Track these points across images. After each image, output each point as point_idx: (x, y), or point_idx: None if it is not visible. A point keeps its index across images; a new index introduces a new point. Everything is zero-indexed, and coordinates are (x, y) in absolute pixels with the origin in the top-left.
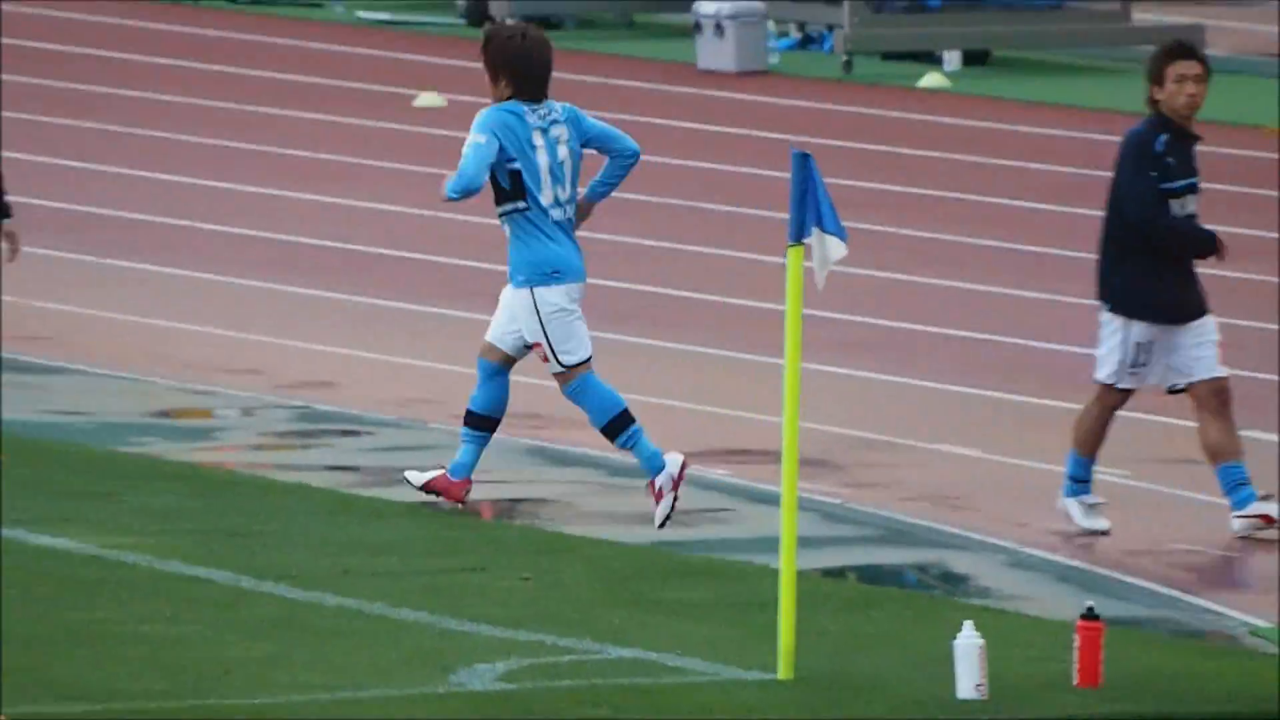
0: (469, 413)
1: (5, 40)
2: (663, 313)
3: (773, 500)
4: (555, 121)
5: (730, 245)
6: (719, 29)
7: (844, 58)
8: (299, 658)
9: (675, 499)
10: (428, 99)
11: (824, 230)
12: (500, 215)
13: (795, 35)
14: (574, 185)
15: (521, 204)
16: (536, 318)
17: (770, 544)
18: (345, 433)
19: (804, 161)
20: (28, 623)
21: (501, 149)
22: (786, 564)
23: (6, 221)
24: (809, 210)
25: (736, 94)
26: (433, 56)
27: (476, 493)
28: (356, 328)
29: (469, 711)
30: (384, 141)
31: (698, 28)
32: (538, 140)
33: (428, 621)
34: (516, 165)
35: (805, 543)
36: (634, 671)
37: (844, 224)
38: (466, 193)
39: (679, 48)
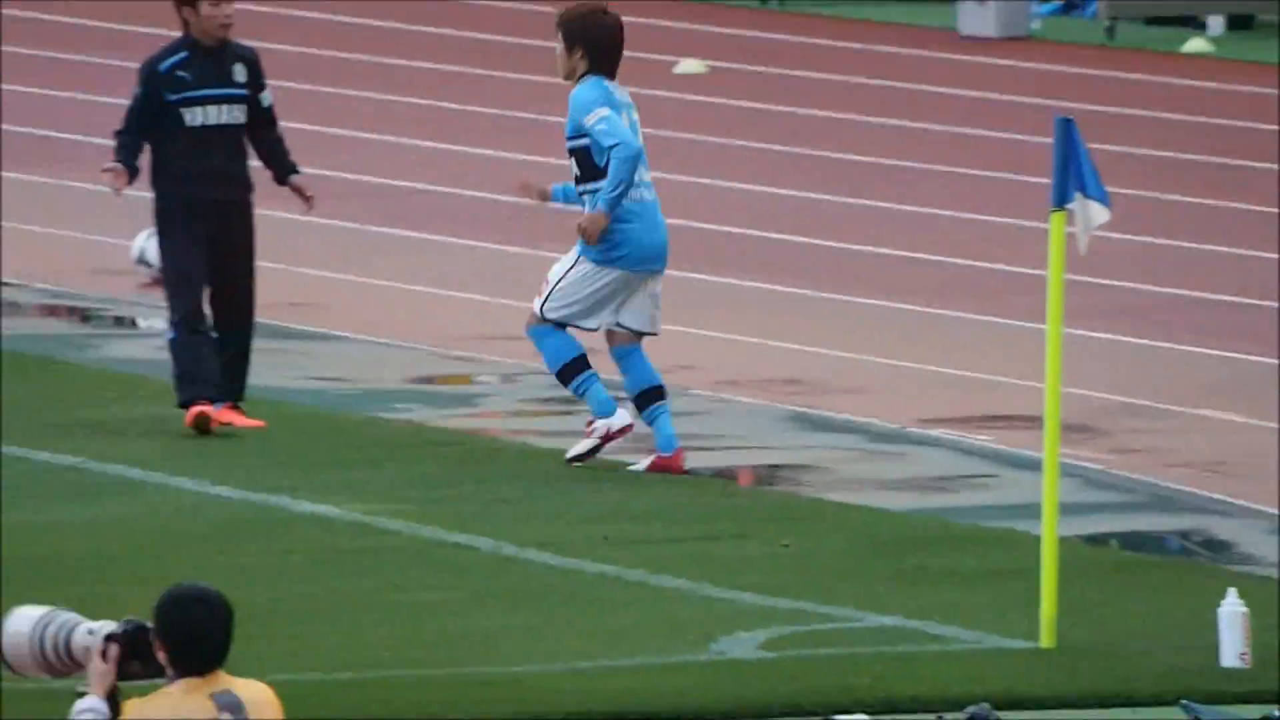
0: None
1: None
2: (922, 280)
3: (1034, 466)
4: (634, 106)
5: (990, 211)
6: None
7: (1107, 23)
8: (559, 626)
9: (597, 447)
10: (689, 65)
11: (1086, 196)
12: (582, 194)
13: (1058, 1)
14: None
15: (598, 184)
16: (567, 267)
17: (1032, 511)
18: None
19: (1067, 127)
20: (292, 591)
21: None
22: (1048, 531)
23: (295, 176)
24: (1071, 176)
25: (998, 59)
26: (693, 23)
27: (736, 459)
28: None
29: (730, 680)
30: (645, 108)
31: None
32: (624, 120)
33: (688, 589)
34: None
35: (1067, 509)
36: (895, 639)
37: (1106, 189)
38: (632, 159)
39: (940, 12)
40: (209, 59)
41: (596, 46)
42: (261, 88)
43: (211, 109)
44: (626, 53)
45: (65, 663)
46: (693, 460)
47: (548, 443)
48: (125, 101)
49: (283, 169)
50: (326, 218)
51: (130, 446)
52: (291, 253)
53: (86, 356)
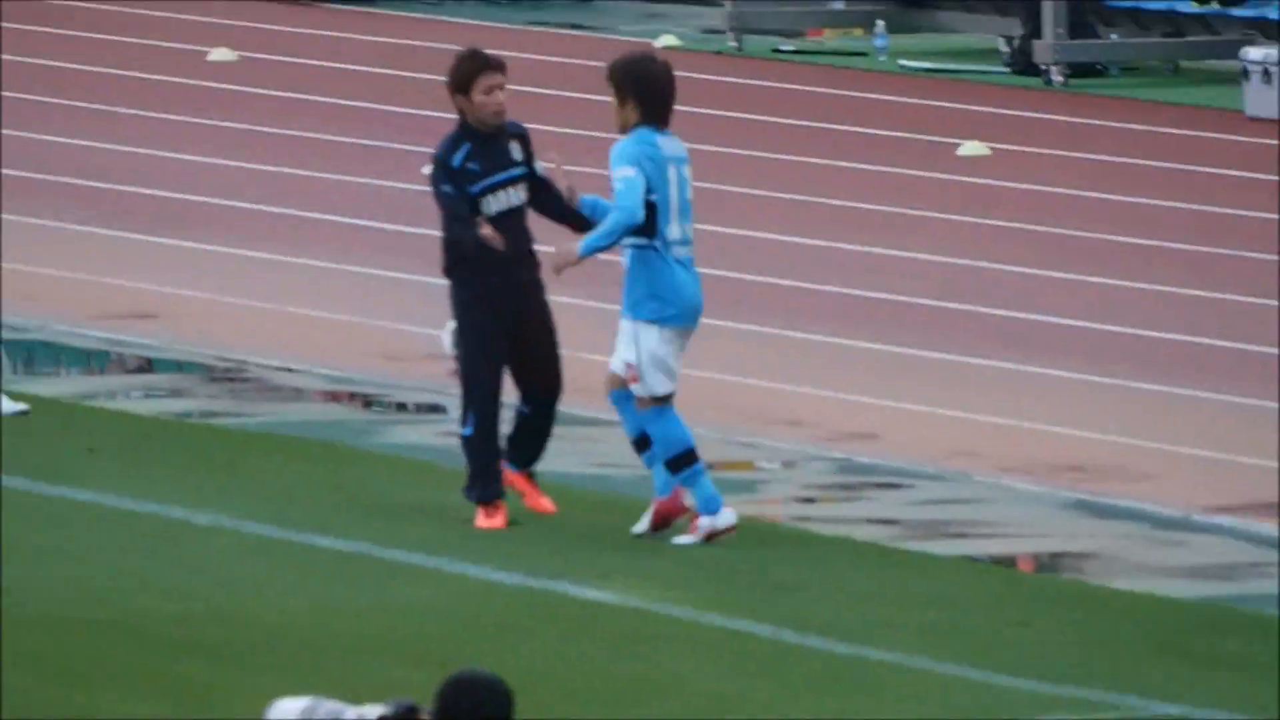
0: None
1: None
2: (1206, 363)
3: None
4: (685, 160)
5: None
6: (1267, 75)
7: None
8: (834, 711)
9: (700, 542)
10: (972, 148)
11: None
12: (624, 246)
13: None
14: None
15: (646, 239)
16: (635, 346)
17: None
18: (887, 485)
19: None
20: (571, 677)
21: (646, 180)
22: None
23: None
24: None
25: None
26: (976, 105)
27: (1018, 546)
28: (897, 378)
29: None
30: (926, 191)
31: (1245, 74)
32: (670, 173)
33: (971, 676)
34: (654, 197)
35: None
36: None
37: None
38: (628, 228)
39: (1226, 94)
40: (489, 145)
41: (646, 96)
42: (532, 159)
43: (502, 194)
44: (908, 135)
45: None
46: (973, 546)
47: (828, 529)
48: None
49: (576, 215)
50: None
51: (414, 531)
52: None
53: (371, 442)
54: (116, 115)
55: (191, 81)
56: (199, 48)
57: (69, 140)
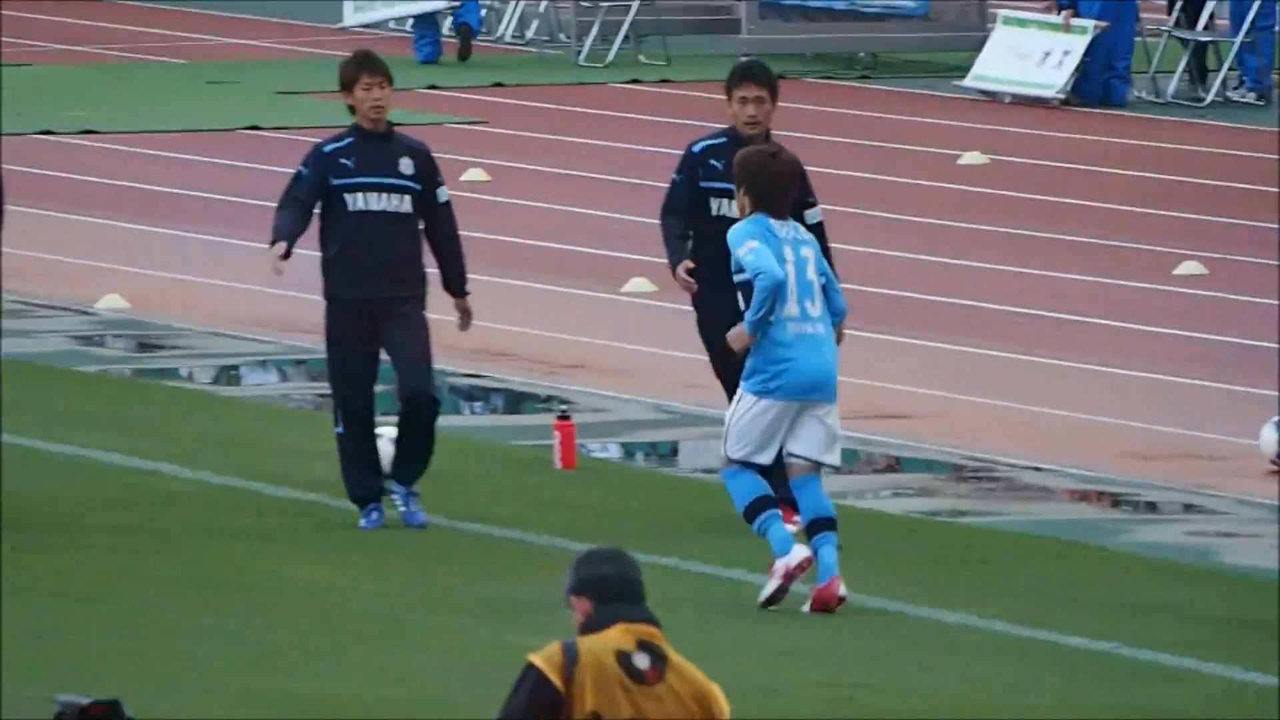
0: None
1: None
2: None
3: None
4: (804, 242)
5: None
6: None
7: None
8: None
9: (781, 587)
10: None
11: None
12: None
13: None
14: (824, 306)
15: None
16: (734, 407)
17: None
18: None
19: None
20: None
21: None
22: None
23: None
24: None
25: None
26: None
27: None
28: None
29: None
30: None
31: None
32: (787, 254)
33: None
34: None
35: None
36: None
37: None
38: (772, 288)
39: None
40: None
41: (759, 189)
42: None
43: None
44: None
45: None
46: None
47: None
48: None
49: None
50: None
51: (1162, 631)
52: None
53: (1119, 541)
54: (873, 219)
55: (943, 185)
56: (950, 151)
57: None
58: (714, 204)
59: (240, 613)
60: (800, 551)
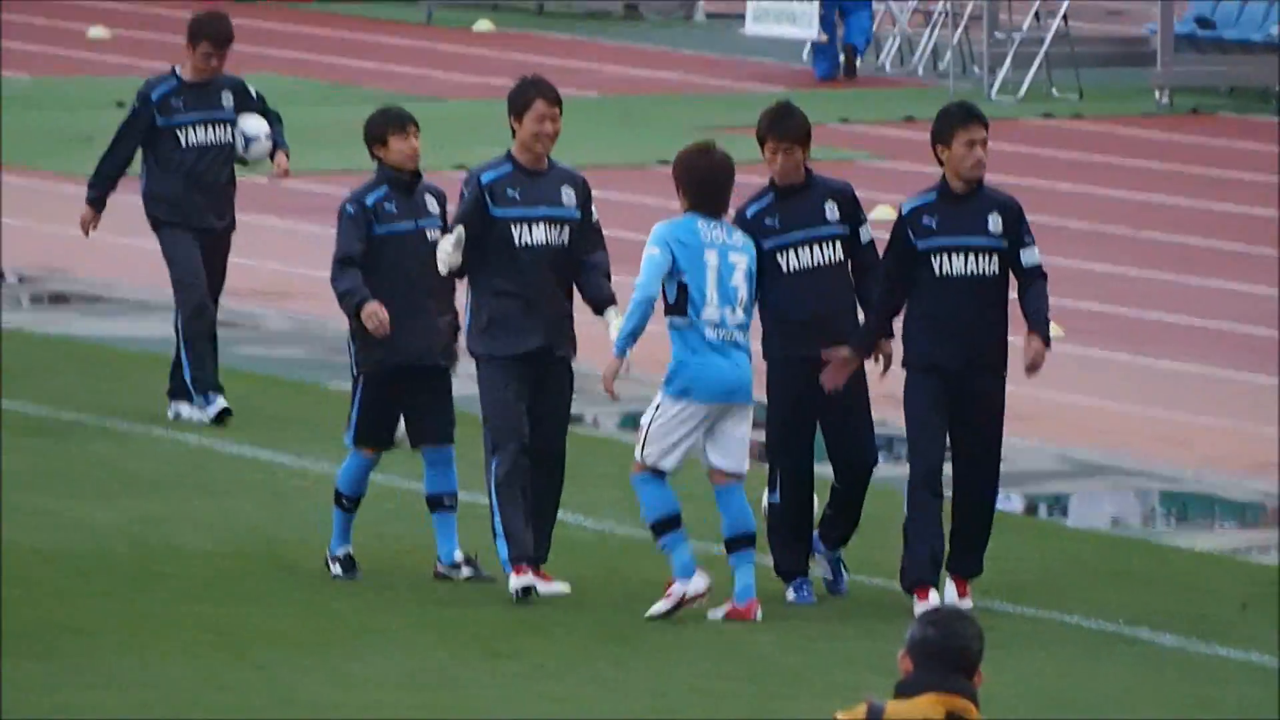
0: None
1: None
2: None
3: None
4: (735, 248)
5: None
6: None
7: None
8: None
9: (672, 609)
10: None
11: None
12: (668, 324)
13: None
14: (747, 313)
15: (682, 318)
16: (652, 412)
17: None
18: None
19: None
20: None
21: (674, 261)
22: None
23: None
24: None
25: None
26: None
27: None
28: None
29: None
30: None
31: None
32: (710, 258)
33: None
34: (685, 279)
35: None
36: None
37: None
38: (642, 304)
39: None
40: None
41: (693, 187)
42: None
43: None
44: None
45: None
46: None
47: None
48: None
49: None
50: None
51: None
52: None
53: None
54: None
55: None
56: None
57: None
58: (934, 261)
59: (640, 663)
60: (701, 583)
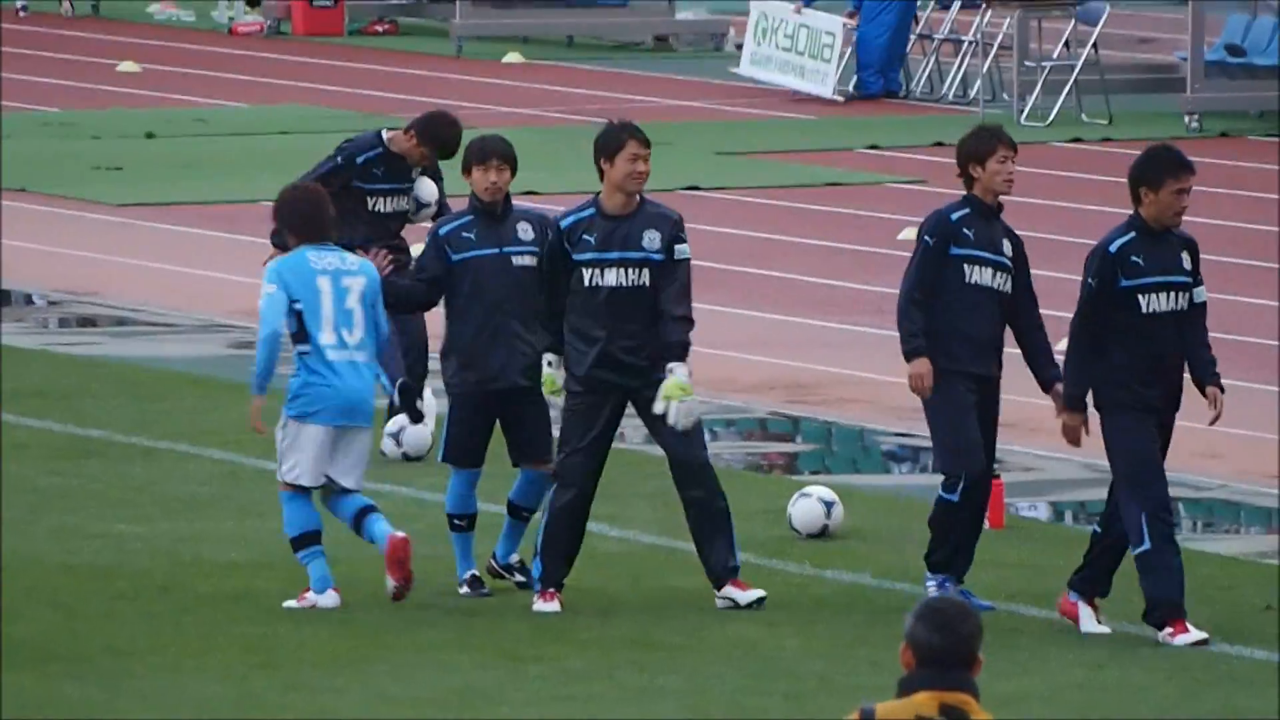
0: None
1: None
2: None
3: None
4: (348, 272)
5: None
6: None
7: None
8: None
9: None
10: None
11: None
12: (294, 354)
13: None
14: (367, 334)
15: (305, 345)
16: (283, 432)
17: None
18: None
19: None
20: None
21: (289, 294)
22: None
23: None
24: None
25: None
26: None
27: None
28: None
29: None
30: None
31: None
32: (324, 285)
33: None
34: (299, 307)
35: None
36: None
37: None
38: (267, 341)
39: None
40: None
41: (294, 222)
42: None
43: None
44: None
45: None
46: None
47: None
48: None
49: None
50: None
51: None
52: None
53: None
54: None
55: None
56: None
57: None
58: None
59: (670, 673)
60: (331, 600)
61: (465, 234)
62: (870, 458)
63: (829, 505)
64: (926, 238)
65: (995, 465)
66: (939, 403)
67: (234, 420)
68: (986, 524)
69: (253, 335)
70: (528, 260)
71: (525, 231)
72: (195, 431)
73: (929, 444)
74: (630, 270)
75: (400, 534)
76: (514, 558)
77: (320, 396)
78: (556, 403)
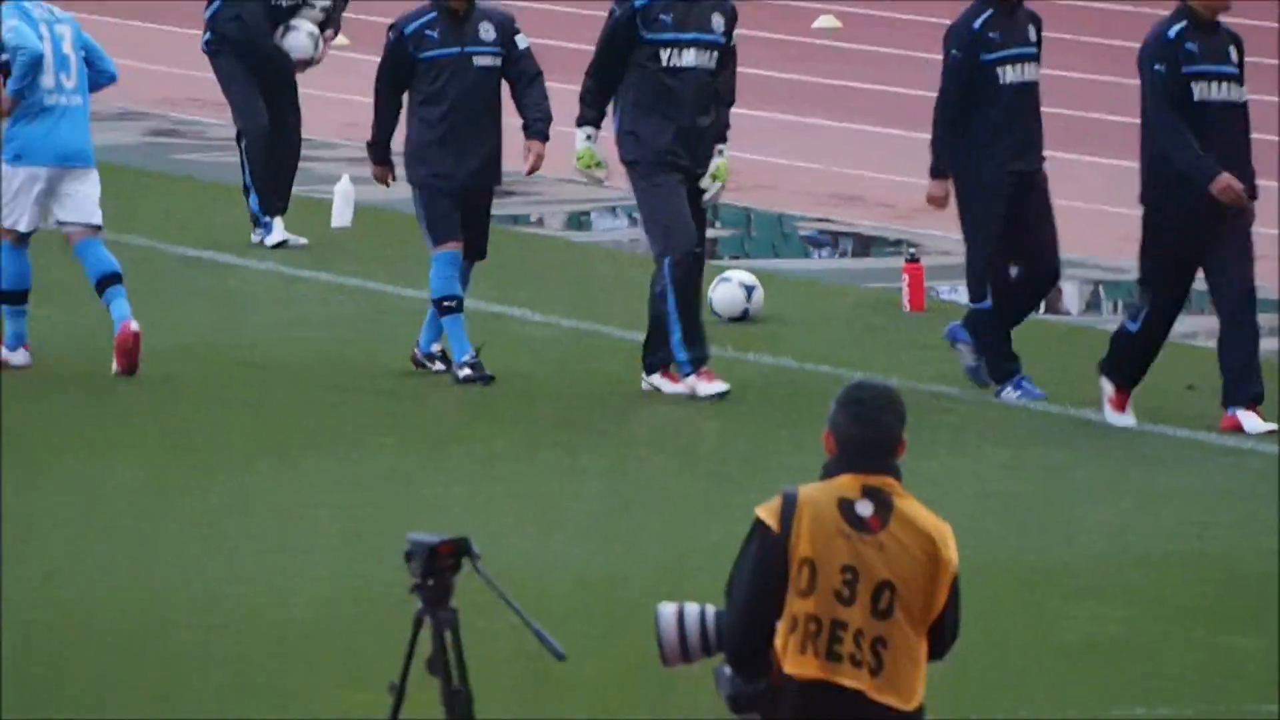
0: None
1: None
2: None
3: None
4: (60, 21)
5: None
6: None
7: None
8: None
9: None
10: None
11: None
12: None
13: None
14: (81, 81)
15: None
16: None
17: None
18: None
19: None
20: None
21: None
22: None
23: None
24: None
25: None
26: None
27: None
28: None
29: None
30: None
31: None
32: (43, 31)
33: None
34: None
35: None
36: None
37: None
38: (33, 62)
39: None
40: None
41: None
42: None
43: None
44: None
45: None
46: None
47: None
48: None
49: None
50: None
51: None
52: None
53: None
54: None
55: None
56: None
57: None
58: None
59: (594, 453)
60: (22, 358)
61: (429, 32)
62: (790, 243)
63: (749, 289)
64: None
65: (914, 250)
66: None
67: (156, 209)
68: (908, 306)
69: (169, 122)
70: (488, 60)
71: (487, 31)
72: (118, 219)
73: (849, 230)
74: (704, 52)
75: (134, 326)
76: (435, 347)
77: (33, 140)
78: (598, 175)
